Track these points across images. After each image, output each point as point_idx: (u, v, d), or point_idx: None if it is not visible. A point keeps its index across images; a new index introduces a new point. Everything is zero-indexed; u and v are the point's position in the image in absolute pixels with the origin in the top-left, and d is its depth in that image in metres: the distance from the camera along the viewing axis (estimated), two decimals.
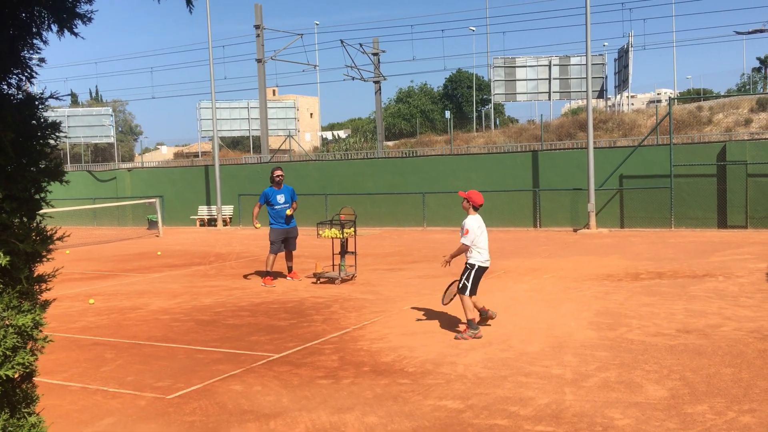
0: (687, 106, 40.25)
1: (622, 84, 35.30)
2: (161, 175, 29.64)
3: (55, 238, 2.54)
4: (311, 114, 78.83)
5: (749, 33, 40.94)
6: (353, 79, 36.82)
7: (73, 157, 49.00)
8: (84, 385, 6.36)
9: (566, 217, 20.79)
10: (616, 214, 20.21)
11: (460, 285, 7.83)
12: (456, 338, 7.62)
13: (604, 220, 20.18)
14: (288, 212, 11.93)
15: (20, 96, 2.42)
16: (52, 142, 2.49)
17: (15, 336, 2.33)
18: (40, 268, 2.64)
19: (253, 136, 42.93)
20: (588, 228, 19.77)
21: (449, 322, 8.45)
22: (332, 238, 11.78)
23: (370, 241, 18.90)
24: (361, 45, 36.73)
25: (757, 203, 18.26)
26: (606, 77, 34.44)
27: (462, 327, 8.00)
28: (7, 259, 2.30)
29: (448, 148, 31.96)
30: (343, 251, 11.86)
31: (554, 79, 34.64)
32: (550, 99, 35.50)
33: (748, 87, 60.73)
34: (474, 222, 7.81)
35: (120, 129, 63.36)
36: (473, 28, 60.45)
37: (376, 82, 38.47)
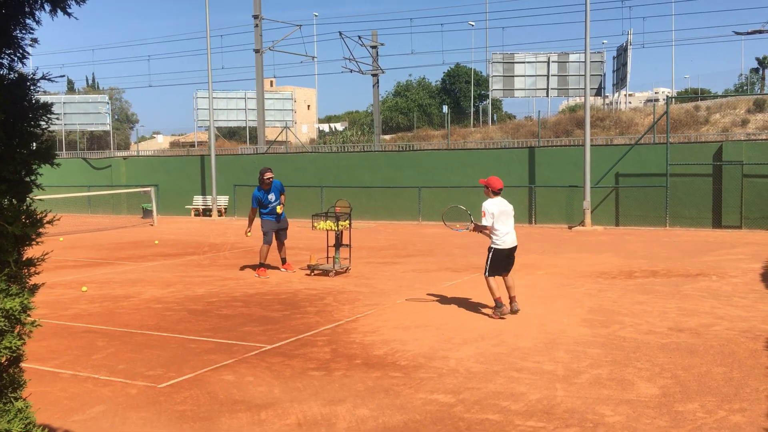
0: (684, 105, 40.30)
1: (620, 82, 35.31)
2: (157, 164, 29.53)
3: (45, 221, 2.52)
4: (308, 106, 78.67)
5: (748, 33, 40.99)
6: (351, 71, 36.74)
7: (69, 145, 48.80)
8: (75, 372, 6.34)
9: (561, 214, 20.80)
10: (612, 211, 20.23)
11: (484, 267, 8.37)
12: (491, 317, 8.19)
13: (599, 217, 20.20)
14: (279, 209, 12.00)
15: (12, 76, 2.38)
16: (43, 123, 2.46)
17: (2, 320, 2.31)
18: (30, 252, 2.61)
19: (249, 127, 42.84)
20: (583, 225, 19.79)
21: (442, 317, 8.45)
22: (327, 230, 11.76)
23: (364, 234, 18.88)
24: (359, 37, 36.65)
25: (752, 204, 18.30)
26: (604, 75, 34.46)
27: (498, 313, 8.33)
28: None
29: (444, 143, 31.94)
30: (338, 244, 11.85)
31: (552, 75, 34.63)
32: (548, 95, 35.50)
33: (745, 87, 60.86)
34: (491, 205, 8.26)
35: (116, 117, 63.13)
36: (472, 23, 60.41)
37: (374, 75, 38.39)
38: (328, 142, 45.19)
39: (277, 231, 12.18)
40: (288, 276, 11.88)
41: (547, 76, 34.47)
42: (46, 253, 2.71)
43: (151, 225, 23.29)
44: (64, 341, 7.50)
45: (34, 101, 2.39)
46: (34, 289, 2.54)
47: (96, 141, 57.87)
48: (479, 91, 65.78)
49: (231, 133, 63.99)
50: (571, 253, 14.34)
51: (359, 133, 49.01)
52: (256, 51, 32.08)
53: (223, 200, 26.63)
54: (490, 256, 8.31)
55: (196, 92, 38.14)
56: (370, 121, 51.56)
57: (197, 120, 38.80)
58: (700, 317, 8.14)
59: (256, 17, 31.77)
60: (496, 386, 5.73)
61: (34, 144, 2.46)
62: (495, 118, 58.68)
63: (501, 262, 8.35)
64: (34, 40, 2.45)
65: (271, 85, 64.92)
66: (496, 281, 8.35)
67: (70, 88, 64.07)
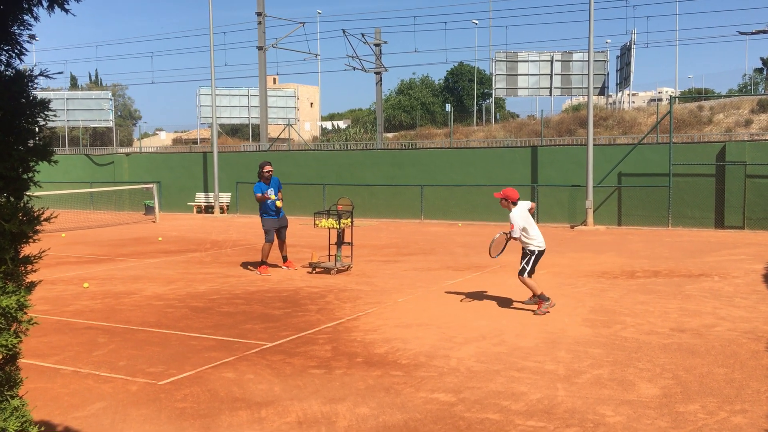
0: (688, 105, 40.19)
1: (623, 81, 35.22)
2: (159, 160, 29.54)
3: (42, 219, 2.50)
4: (311, 103, 78.64)
5: (752, 33, 40.86)
6: (354, 69, 36.70)
7: (72, 141, 48.84)
8: (76, 368, 6.34)
9: (564, 213, 20.77)
10: (614, 211, 20.19)
11: (520, 268, 8.60)
12: (536, 314, 8.33)
13: (601, 217, 20.17)
14: (278, 204, 11.99)
15: (9, 73, 2.37)
16: (41, 120, 2.45)
17: None
18: (27, 250, 2.60)
19: (252, 124, 42.82)
20: (585, 225, 19.76)
21: (444, 315, 8.44)
22: (329, 228, 11.75)
23: (366, 232, 18.87)
24: (363, 35, 36.59)
25: (755, 204, 18.25)
26: (608, 74, 34.37)
27: (536, 305, 8.56)
28: None
29: (447, 141, 31.90)
30: (340, 242, 11.84)
31: (556, 74, 34.54)
32: (551, 94, 35.43)
33: (749, 88, 60.67)
34: (517, 217, 8.52)
35: (119, 113, 63.16)
36: (476, 21, 60.31)
37: (377, 73, 38.35)
38: (331, 139, 45.15)
39: (278, 229, 12.19)
40: (289, 274, 11.88)
41: (551, 75, 34.39)
42: (44, 251, 2.70)
43: (154, 222, 23.30)
44: (65, 337, 7.50)
45: (31, 98, 2.37)
46: (31, 286, 2.53)
47: (99, 137, 57.90)
48: (482, 89, 65.67)
49: (234, 131, 63.98)
50: (573, 252, 14.32)
51: (362, 131, 48.94)
52: (259, 48, 32.06)
53: (225, 197, 26.64)
54: (531, 259, 8.59)
55: (199, 89, 38.14)
56: (372, 119, 51.51)
57: (200, 117, 38.79)
58: (702, 318, 8.12)
59: (259, 14, 31.75)
60: (497, 386, 5.71)
61: (32, 141, 2.45)
62: (498, 117, 58.59)
63: (537, 263, 8.74)
64: (32, 37, 2.45)
65: (274, 82, 64.91)
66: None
67: (74, 85, 64.12)
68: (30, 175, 2.45)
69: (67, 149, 38.11)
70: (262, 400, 5.45)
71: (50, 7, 2.30)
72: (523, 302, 9.00)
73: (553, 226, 20.25)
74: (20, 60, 2.44)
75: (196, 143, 50.23)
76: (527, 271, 8.57)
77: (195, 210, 27.24)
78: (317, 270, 11.92)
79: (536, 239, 8.62)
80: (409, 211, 23.11)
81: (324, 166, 24.89)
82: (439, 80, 72.53)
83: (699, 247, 14.91)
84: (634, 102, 59.57)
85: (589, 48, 20.38)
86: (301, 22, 34.25)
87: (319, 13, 75.42)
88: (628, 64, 33.37)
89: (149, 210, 25.85)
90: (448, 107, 53.51)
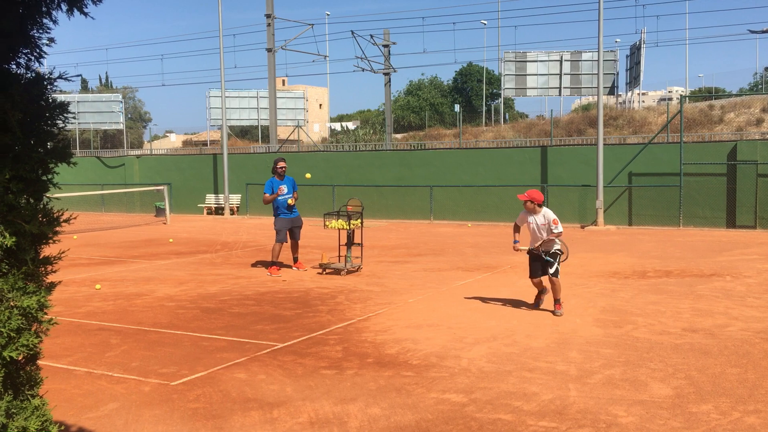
0: (698, 104, 39.99)
1: (633, 81, 35.08)
2: (169, 162, 29.67)
3: (61, 220, 2.53)
4: (320, 105, 78.78)
5: (763, 32, 40.60)
6: (363, 70, 36.73)
7: (83, 143, 49.13)
8: (89, 369, 6.38)
9: (574, 213, 20.71)
10: (625, 211, 20.12)
11: (553, 270, 8.49)
12: (555, 314, 8.40)
13: (612, 217, 20.10)
14: (290, 201, 11.94)
15: (29, 76, 2.40)
16: (60, 122, 2.48)
17: (20, 317, 2.32)
18: (46, 250, 2.63)
19: (261, 126, 42.94)
20: (596, 225, 19.70)
21: (454, 316, 8.44)
22: (339, 229, 11.77)
23: (376, 233, 18.89)
24: (371, 36, 36.62)
25: (767, 203, 18.14)
26: (617, 74, 34.23)
27: (557, 306, 8.54)
28: (13, 239, 2.29)
29: (456, 142, 31.88)
30: (350, 242, 11.86)
31: (565, 74, 34.45)
32: (560, 94, 35.32)
33: (760, 86, 60.29)
34: (548, 211, 8.64)
35: (129, 116, 63.50)
36: (485, 22, 60.21)
37: (386, 74, 38.36)
38: (340, 140, 45.22)
39: (291, 229, 12.17)
40: (300, 275, 11.90)
41: (560, 74, 34.30)
42: (63, 252, 2.73)
43: (164, 223, 23.40)
44: (77, 339, 7.56)
45: (50, 100, 2.40)
46: (51, 287, 2.56)
47: (109, 140, 58.23)
48: (491, 89, 65.58)
49: (243, 132, 64.18)
50: (583, 252, 14.28)
51: (371, 132, 48.98)
52: (269, 50, 32.15)
53: (235, 199, 26.73)
54: (561, 259, 8.65)
55: (209, 91, 38.27)
56: (381, 120, 51.55)
57: (210, 119, 38.92)
58: (714, 318, 8.08)
59: (268, 16, 31.83)
60: (509, 386, 5.71)
61: (51, 143, 2.48)
62: (507, 117, 58.49)
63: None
64: (51, 40, 2.47)
65: (283, 84, 65.09)
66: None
67: (84, 87, 64.49)
68: (49, 176, 2.48)
69: (78, 152, 38.34)
70: (274, 400, 5.47)
71: (69, 11, 2.33)
72: (531, 305, 8.94)
73: (564, 226, 20.16)
74: (39, 63, 2.47)
75: (206, 145, 50.40)
76: (558, 272, 8.59)
77: (205, 212, 27.34)
78: (327, 271, 11.94)
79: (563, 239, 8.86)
80: (418, 211, 23.11)
81: (333, 167, 24.93)
82: (448, 81, 72.57)
83: (711, 246, 14.83)
84: (644, 101, 59.35)
85: (598, 47, 20.32)
86: (310, 24, 34.34)
87: (328, 14, 75.66)
88: (638, 63, 33.24)
89: (160, 212, 25.96)
90: (456, 108, 53.49)
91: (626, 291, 9.87)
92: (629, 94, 42.19)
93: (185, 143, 60.53)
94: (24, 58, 2.39)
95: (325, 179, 24.63)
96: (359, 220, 11.96)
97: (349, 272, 11.81)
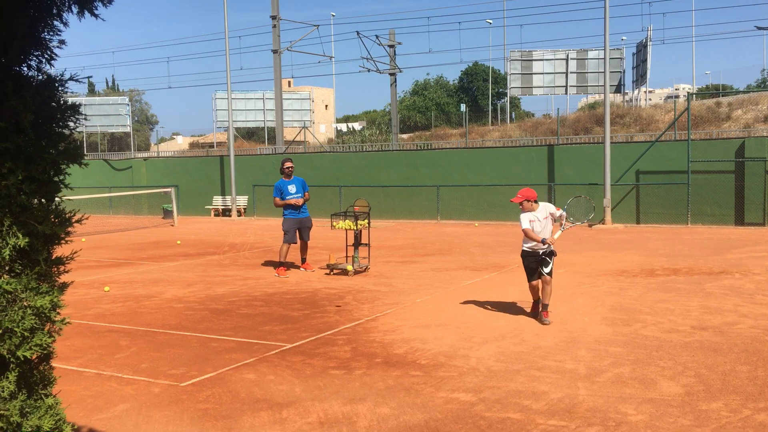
0: (705, 101, 39.82)
1: (639, 79, 34.98)
2: (176, 164, 29.76)
3: (73, 220, 2.56)
4: (326, 105, 78.83)
5: None
6: (369, 71, 36.74)
7: (90, 146, 49.36)
8: (98, 371, 6.42)
9: (581, 212, 20.64)
10: (632, 209, 20.06)
11: (548, 269, 8.08)
12: (543, 323, 7.87)
13: (619, 215, 20.05)
14: (291, 201, 11.92)
15: (40, 77, 2.42)
16: (71, 124, 2.50)
17: (33, 317, 2.35)
18: (58, 251, 2.65)
19: (268, 127, 43.03)
20: (603, 223, 19.65)
21: (462, 316, 8.43)
22: (346, 229, 11.79)
23: (383, 233, 18.90)
24: (377, 37, 36.65)
25: None
26: (624, 71, 34.15)
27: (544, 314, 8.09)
28: (26, 240, 2.31)
29: (463, 142, 31.85)
30: (357, 243, 11.87)
31: (571, 72, 34.39)
32: (566, 93, 35.27)
33: None
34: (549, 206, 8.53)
35: (136, 118, 63.71)
36: (490, 21, 60.21)
37: (391, 75, 38.38)
38: (346, 141, 45.27)
39: (300, 230, 12.17)
40: (307, 275, 11.92)
41: (566, 73, 34.24)
42: (75, 252, 2.76)
43: (172, 225, 23.48)
44: (87, 340, 7.59)
45: (62, 102, 2.42)
46: (64, 287, 2.58)
47: (116, 142, 58.47)
48: (497, 89, 65.48)
49: (250, 134, 64.31)
50: (591, 251, 14.25)
51: (377, 132, 49.02)
52: (274, 51, 32.21)
53: (242, 200, 26.79)
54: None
55: (215, 93, 38.38)
56: (387, 121, 51.57)
57: (216, 121, 39.04)
58: (723, 315, 8.05)
59: (273, 18, 31.90)
60: (517, 385, 5.71)
61: (62, 144, 2.50)
62: (513, 116, 58.39)
63: None
64: (62, 42, 2.49)
65: (289, 85, 65.17)
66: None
67: (91, 90, 64.79)
68: (61, 177, 2.50)
69: (85, 155, 38.54)
70: (283, 400, 5.48)
71: (80, 13, 2.35)
72: (530, 314, 8.43)
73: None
74: (50, 65, 2.49)
75: (213, 147, 50.55)
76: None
77: (212, 213, 27.42)
78: (335, 271, 11.95)
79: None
80: (425, 211, 23.10)
81: (340, 167, 24.96)
82: (454, 80, 72.47)
83: (719, 244, 14.77)
84: (650, 99, 59.10)
85: (604, 45, 20.28)
86: (315, 25, 34.38)
87: (333, 15, 75.72)
88: (645, 61, 33.15)
89: (167, 214, 26.05)
90: (462, 107, 53.46)
91: (635, 289, 9.84)
92: (636, 92, 42.07)
93: (192, 145, 60.72)
94: (35, 60, 2.42)
95: (332, 180, 24.65)
96: (366, 221, 11.97)
97: (356, 272, 11.82)
